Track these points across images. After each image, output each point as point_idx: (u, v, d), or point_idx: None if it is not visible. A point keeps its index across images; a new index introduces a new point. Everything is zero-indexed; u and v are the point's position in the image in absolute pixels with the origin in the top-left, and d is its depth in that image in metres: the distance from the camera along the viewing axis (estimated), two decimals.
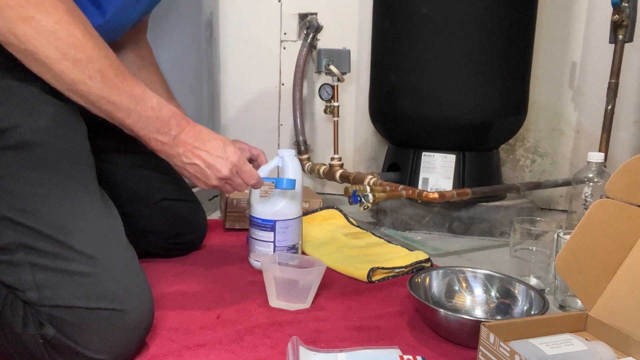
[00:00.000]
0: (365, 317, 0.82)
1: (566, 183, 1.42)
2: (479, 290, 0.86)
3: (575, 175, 1.17)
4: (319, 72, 1.45)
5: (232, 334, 0.74)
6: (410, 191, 1.14)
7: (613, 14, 1.24)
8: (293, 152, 0.99)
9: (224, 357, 0.68)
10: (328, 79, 1.48)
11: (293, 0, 1.66)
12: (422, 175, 1.36)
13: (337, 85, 1.47)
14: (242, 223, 1.25)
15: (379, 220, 1.39)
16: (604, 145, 1.30)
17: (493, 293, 0.85)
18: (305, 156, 1.63)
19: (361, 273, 0.97)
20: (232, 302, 0.86)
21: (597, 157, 1.13)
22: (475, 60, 1.27)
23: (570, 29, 1.55)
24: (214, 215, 1.44)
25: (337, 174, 1.43)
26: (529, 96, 1.41)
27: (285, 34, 1.69)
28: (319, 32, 1.61)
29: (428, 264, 1.03)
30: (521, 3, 1.29)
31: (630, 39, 1.26)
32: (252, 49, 1.71)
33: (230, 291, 0.90)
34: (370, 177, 1.27)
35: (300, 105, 1.63)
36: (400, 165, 1.41)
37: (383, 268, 0.99)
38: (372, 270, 0.97)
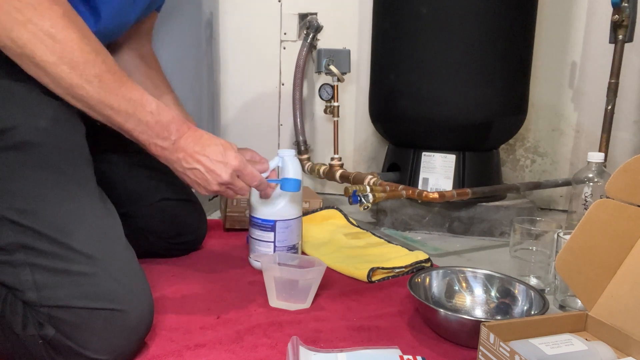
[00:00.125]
0: (365, 317, 0.82)
1: (566, 183, 1.42)
2: (479, 290, 0.86)
3: (575, 175, 1.17)
4: (319, 72, 1.45)
5: (232, 334, 0.74)
6: (410, 191, 1.14)
7: (613, 14, 1.24)
8: (293, 152, 0.99)
9: (224, 357, 0.68)
10: (328, 79, 1.48)
11: (293, 0, 1.66)
12: (422, 175, 1.36)
13: (337, 85, 1.47)
14: (242, 223, 1.25)
15: (379, 220, 1.39)
16: (604, 145, 1.30)
17: (493, 293, 0.85)
18: (305, 156, 1.63)
19: (361, 273, 0.97)
20: (232, 302, 0.86)
21: (597, 157, 1.13)
22: (475, 60, 1.27)
23: (570, 29, 1.55)
24: (214, 215, 1.44)
25: (337, 174, 1.43)
26: (529, 96, 1.41)
27: (285, 34, 1.69)
28: (319, 32, 1.61)
29: (428, 264, 1.03)
30: (521, 3, 1.29)
31: (630, 39, 1.26)
32: (252, 49, 1.71)
33: (230, 291, 0.90)
34: (370, 177, 1.27)
35: (300, 105, 1.63)
36: (400, 165, 1.41)
37: (383, 268, 0.99)
38: (372, 270, 0.97)
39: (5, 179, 0.63)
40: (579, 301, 0.81)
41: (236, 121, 1.76)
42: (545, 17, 1.52)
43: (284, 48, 1.70)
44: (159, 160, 0.76)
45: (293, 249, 1.00)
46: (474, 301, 0.85)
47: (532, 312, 0.77)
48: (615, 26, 1.25)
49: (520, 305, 0.81)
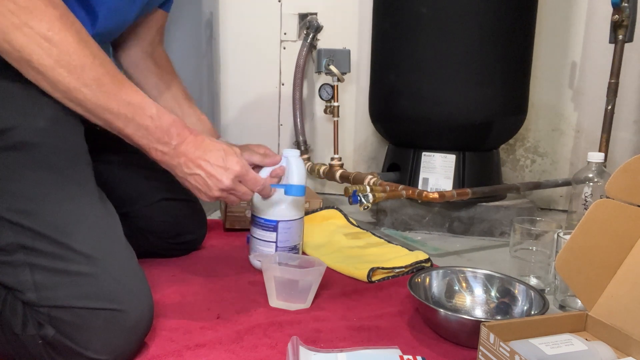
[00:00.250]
0: (365, 317, 0.82)
1: (566, 183, 1.42)
2: (479, 290, 0.86)
3: (575, 175, 1.17)
4: (319, 72, 1.45)
5: (232, 334, 0.74)
6: (410, 191, 1.14)
7: (613, 14, 1.24)
8: (298, 152, 0.98)
9: (224, 357, 0.68)
10: (328, 79, 1.48)
11: (293, 0, 1.66)
12: (422, 175, 1.36)
13: (337, 85, 1.47)
14: (242, 223, 1.25)
15: (379, 220, 1.39)
16: (604, 145, 1.30)
17: (493, 293, 0.85)
18: (305, 156, 1.63)
19: (361, 273, 0.97)
20: (232, 302, 0.86)
21: (597, 157, 1.14)
22: (475, 60, 1.27)
23: (570, 29, 1.55)
24: (214, 215, 1.44)
25: (337, 174, 1.43)
26: (529, 96, 1.41)
27: (285, 34, 1.69)
28: (319, 32, 1.61)
29: (428, 264, 1.03)
30: (521, 3, 1.29)
31: (630, 39, 1.26)
32: (252, 49, 1.71)
33: (230, 291, 0.90)
34: (370, 177, 1.27)
35: (300, 105, 1.63)
36: (400, 165, 1.41)
37: (383, 268, 0.99)
38: (372, 270, 0.97)
39: (4, 179, 0.63)
40: (579, 301, 0.81)
41: (236, 121, 1.76)
42: (545, 17, 1.52)
43: (284, 48, 1.70)
44: (160, 165, 0.75)
45: (294, 249, 1.00)
46: (474, 301, 0.85)
47: (532, 312, 0.77)
48: (615, 26, 1.25)
49: (520, 305, 0.81)
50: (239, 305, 0.84)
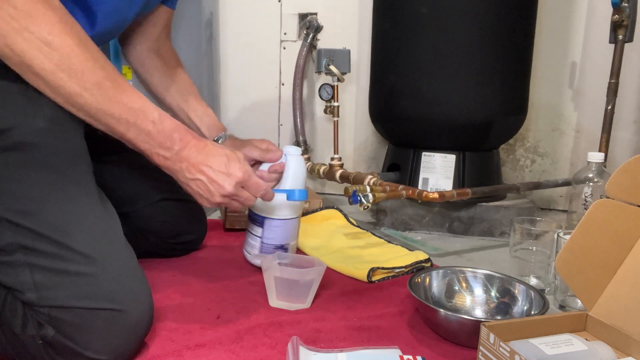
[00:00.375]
0: (365, 317, 0.82)
1: (566, 183, 1.42)
2: (479, 290, 0.86)
3: (575, 175, 1.17)
4: (319, 72, 1.45)
5: (232, 334, 0.74)
6: (410, 191, 1.14)
7: (613, 14, 1.24)
8: (298, 151, 0.96)
9: (224, 357, 0.68)
10: (328, 79, 1.48)
11: (293, 0, 1.66)
12: (422, 175, 1.36)
13: (337, 85, 1.47)
14: (242, 223, 1.25)
15: (379, 220, 1.39)
16: (604, 145, 1.30)
17: (493, 293, 0.85)
18: (305, 156, 1.63)
19: (361, 273, 0.97)
20: (232, 302, 0.86)
21: (597, 157, 1.14)
22: (476, 60, 1.27)
23: (570, 29, 1.55)
24: (214, 215, 1.44)
25: (337, 174, 1.43)
26: (529, 96, 1.41)
27: (285, 34, 1.69)
28: (319, 32, 1.61)
29: (428, 264, 1.03)
30: (521, 3, 1.29)
31: (630, 39, 1.26)
32: (252, 49, 1.71)
33: (230, 291, 0.90)
34: (370, 177, 1.27)
35: (300, 105, 1.63)
36: (400, 165, 1.41)
37: (383, 268, 0.99)
38: (372, 270, 0.97)
39: (4, 179, 0.63)
40: (579, 301, 0.81)
41: (236, 121, 1.76)
42: (545, 17, 1.52)
43: (284, 48, 1.70)
44: (162, 170, 0.75)
45: (282, 248, 0.99)
46: (474, 301, 0.85)
47: (532, 312, 0.77)
48: (615, 26, 1.25)
49: (520, 305, 0.81)
50: (239, 305, 0.84)
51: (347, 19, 1.65)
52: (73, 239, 0.63)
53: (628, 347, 0.66)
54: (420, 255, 1.05)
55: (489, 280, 0.86)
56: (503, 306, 0.83)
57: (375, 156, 1.74)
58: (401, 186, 1.16)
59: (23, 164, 0.64)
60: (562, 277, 0.74)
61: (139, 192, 0.99)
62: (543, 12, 1.47)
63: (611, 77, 1.28)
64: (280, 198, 0.92)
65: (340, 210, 1.35)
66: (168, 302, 0.85)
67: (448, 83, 1.29)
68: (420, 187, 1.35)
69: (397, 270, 1.00)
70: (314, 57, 1.59)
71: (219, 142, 1.03)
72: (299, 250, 1.13)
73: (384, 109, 1.43)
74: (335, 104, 1.48)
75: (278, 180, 0.96)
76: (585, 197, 1.13)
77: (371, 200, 1.04)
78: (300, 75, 1.61)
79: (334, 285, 0.94)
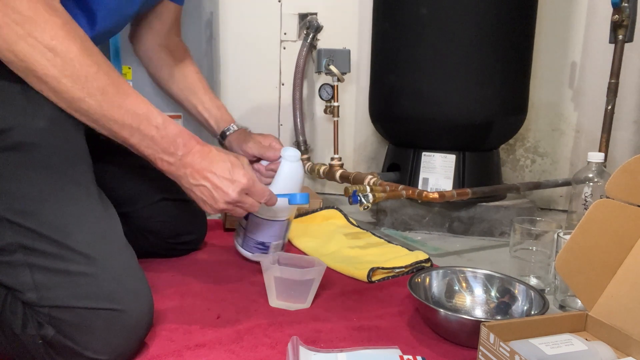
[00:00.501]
0: (365, 317, 0.82)
1: (566, 183, 1.42)
2: (479, 290, 0.86)
3: (575, 175, 1.17)
4: (319, 72, 1.45)
5: (232, 334, 0.74)
6: (410, 191, 1.14)
7: (613, 14, 1.24)
8: (296, 154, 0.94)
9: (224, 357, 0.68)
10: (328, 79, 1.48)
11: (293, 0, 1.66)
12: (422, 175, 1.36)
13: (337, 85, 1.47)
14: None
15: (379, 220, 1.39)
16: (604, 145, 1.30)
17: (493, 293, 0.85)
18: (305, 156, 1.63)
19: (361, 273, 0.97)
20: (232, 302, 0.86)
21: (597, 157, 1.13)
22: (476, 60, 1.27)
23: (570, 29, 1.55)
24: (214, 215, 1.44)
25: (337, 174, 1.43)
26: (529, 96, 1.41)
27: (285, 34, 1.69)
28: (319, 32, 1.61)
29: (428, 264, 1.03)
30: (521, 3, 1.29)
31: (630, 39, 1.26)
32: (252, 49, 1.71)
33: (230, 291, 0.90)
34: (370, 177, 1.27)
35: (300, 105, 1.63)
36: (400, 165, 1.41)
37: (383, 268, 0.99)
38: (372, 270, 0.97)
39: (4, 179, 0.63)
40: (579, 301, 0.81)
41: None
42: (545, 17, 1.52)
43: (284, 48, 1.70)
44: (166, 175, 0.75)
45: (262, 245, 0.99)
46: (474, 301, 0.85)
47: (532, 312, 0.77)
48: (615, 26, 1.25)
49: (520, 305, 0.81)
50: (239, 305, 0.84)
51: (347, 19, 1.65)
52: (73, 239, 0.63)
53: (628, 347, 0.66)
54: (420, 255, 1.05)
55: (489, 280, 0.86)
56: (503, 306, 0.83)
57: (375, 156, 1.74)
58: (401, 186, 1.16)
59: (23, 164, 0.64)
60: (562, 277, 0.74)
61: (139, 192, 0.99)
62: (543, 12, 1.47)
63: (611, 77, 1.28)
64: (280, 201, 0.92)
65: (340, 210, 1.35)
66: (168, 302, 0.85)
67: (448, 83, 1.29)
68: (420, 187, 1.35)
69: (397, 270, 1.00)
70: (314, 57, 1.59)
71: (227, 133, 1.04)
72: (299, 250, 1.13)
73: (384, 108, 1.43)
74: (335, 104, 1.48)
75: None
76: (585, 197, 1.13)
77: (371, 200, 1.04)
78: (300, 75, 1.61)
79: (334, 285, 0.94)
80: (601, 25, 1.46)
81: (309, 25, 1.60)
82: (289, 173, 0.93)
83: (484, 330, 0.62)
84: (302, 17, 1.67)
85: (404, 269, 1.00)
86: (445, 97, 1.29)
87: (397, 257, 1.05)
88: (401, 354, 0.66)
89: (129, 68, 1.32)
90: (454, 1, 1.25)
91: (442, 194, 1.13)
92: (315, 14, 1.65)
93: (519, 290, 0.83)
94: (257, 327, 0.77)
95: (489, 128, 1.32)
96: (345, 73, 1.45)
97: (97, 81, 0.64)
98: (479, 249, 1.24)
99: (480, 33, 1.26)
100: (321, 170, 1.50)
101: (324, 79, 1.57)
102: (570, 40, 1.55)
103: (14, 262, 0.62)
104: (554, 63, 1.57)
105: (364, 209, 1.04)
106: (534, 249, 0.97)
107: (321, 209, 1.36)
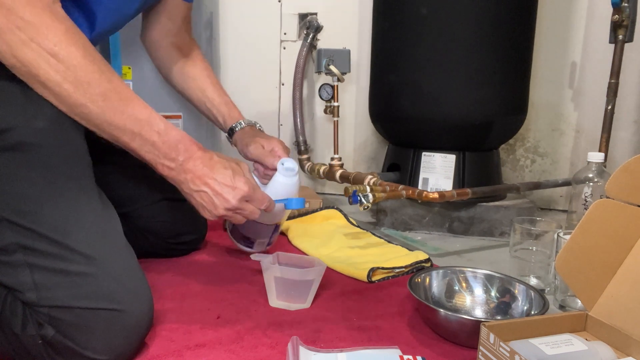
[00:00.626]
0: (365, 317, 0.82)
1: (566, 183, 1.42)
2: (479, 290, 0.86)
3: (575, 175, 1.17)
4: (319, 72, 1.45)
5: (232, 334, 0.74)
6: (410, 191, 1.14)
7: (613, 14, 1.24)
8: (292, 170, 0.93)
9: (224, 357, 0.68)
10: (328, 79, 1.48)
11: (293, 0, 1.66)
12: (422, 175, 1.36)
13: (337, 85, 1.47)
14: None
15: (379, 220, 1.39)
16: (604, 145, 1.30)
17: (493, 293, 0.85)
18: (305, 156, 1.63)
19: (361, 273, 0.97)
20: (232, 302, 0.86)
21: (597, 157, 1.13)
22: (475, 60, 1.27)
23: (570, 29, 1.55)
24: None
25: (337, 174, 1.43)
26: (529, 96, 1.41)
27: (285, 34, 1.69)
28: (319, 32, 1.61)
29: (428, 264, 1.03)
30: (521, 3, 1.29)
31: (630, 39, 1.26)
32: (252, 49, 1.71)
33: (230, 291, 0.90)
34: (370, 177, 1.27)
35: (300, 105, 1.63)
36: (400, 165, 1.41)
37: (383, 268, 0.99)
38: (372, 270, 0.97)
39: (3, 179, 0.63)
40: (579, 301, 0.81)
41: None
42: (545, 17, 1.52)
43: (284, 48, 1.70)
44: (166, 180, 0.75)
45: (247, 240, 1.00)
46: (474, 301, 0.85)
47: (532, 312, 0.77)
48: (615, 26, 1.25)
49: (520, 305, 0.81)
50: (239, 305, 0.84)
51: (347, 19, 1.65)
52: (73, 239, 0.63)
53: (628, 347, 0.66)
54: (420, 255, 1.05)
55: (489, 280, 0.86)
56: (503, 306, 0.83)
57: (375, 156, 1.74)
58: (401, 186, 1.16)
59: (23, 164, 0.64)
60: (562, 277, 0.74)
61: (139, 192, 0.99)
62: (543, 12, 1.47)
63: (611, 77, 1.28)
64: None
65: (340, 210, 1.35)
66: (168, 302, 0.85)
67: (448, 83, 1.29)
68: (420, 187, 1.35)
69: (397, 270, 1.00)
70: (314, 57, 1.59)
71: (235, 130, 1.04)
72: (299, 251, 1.14)
73: (384, 109, 1.43)
74: (335, 104, 1.48)
75: None
76: (585, 197, 1.13)
77: (371, 200, 1.04)
78: (300, 75, 1.61)
79: (334, 285, 0.94)
80: (601, 25, 1.46)
81: (309, 25, 1.60)
82: (283, 187, 0.93)
83: (484, 330, 0.62)
84: (302, 17, 1.67)
85: (404, 269, 1.00)
86: (445, 97, 1.29)
87: (397, 257, 1.05)
88: (401, 354, 0.66)
89: (129, 68, 1.32)
90: (454, 1, 1.25)
91: (442, 194, 1.13)
92: (315, 14, 1.65)
93: (519, 290, 0.83)
94: (257, 327, 0.77)
95: (489, 128, 1.32)
96: (345, 73, 1.45)
97: (100, 87, 0.64)
98: (479, 249, 1.24)
99: (480, 33, 1.26)
100: (321, 170, 1.50)
101: (324, 79, 1.57)
102: (570, 40, 1.55)
103: (13, 262, 0.62)
104: (554, 63, 1.57)
105: (364, 209, 1.04)
106: (534, 249, 0.97)
107: (321, 209, 1.36)
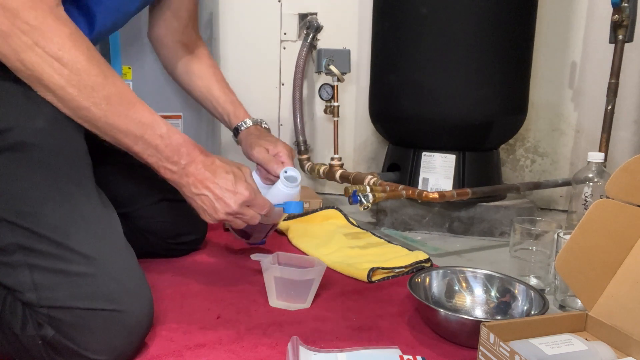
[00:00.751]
0: (365, 317, 0.82)
1: (566, 183, 1.42)
2: (479, 290, 0.86)
3: (575, 175, 1.17)
4: (319, 72, 1.45)
5: (232, 334, 0.74)
6: (410, 191, 1.14)
7: (613, 14, 1.24)
8: (294, 180, 0.92)
9: (224, 357, 0.68)
10: (328, 79, 1.48)
11: (293, 0, 1.66)
12: (422, 175, 1.36)
13: (337, 85, 1.47)
14: None
15: (379, 220, 1.39)
16: (604, 145, 1.30)
17: (493, 293, 0.85)
18: (305, 156, 1.63)
19: (361, 273, 0.97)
20: (232, 302, 0.86)
21: (597, 157, 1.13)
22: (475, 60, 1.27)
23: (570, 29, 1.55)
24: None
25: (337, 174, 1.43)
26: (529, 96, 1.41)
27: (285, 34, 1.69)
28: (319, 32, 1.61)
29: (428, 264, 1.03)
30: (521, 3, 1.29)
31: (630, 39, 1.26)
32: (252, 49, 1.71)
33: (230, 291, 0.90)
34: (370, 177, 1.27)
35: (300, 105, 1.63)
36: (400, 165, 1.41)
37: (383, 268, 0.99)
38: (372, 270, 0.97)
39: (3, 179, 0.63)
40: (579, 301, 0.81)
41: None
42: (545, 17, 1.52)
43: (284, 48, 1.70)
44: (168, 183, 0.75)
45: (243, 232, 0.99)
46: (474, 301, 0.85)
47: (532, 312, 0.77)
48: (615, 26, 1.25)
49: (520, 305, 0.81)
50: (239, 305, 0.84)
51: (347, 19, 1.65)
52: (73, 239, 0.63)
53: (628, 347, 0.66)
54: (420, 255, 1.05)
55: (489, 280, 0.86)
56: (503, 306, 0.83)
57: (375, 156, 1.74)
58: (401, 186, 1.16)
59: (23, 164, 0.64)
60: (562, 277, 0.74)
61: (139, 192, 0.99)
62: (543, 12, 1.47)
63: (611, 77, 1.28)
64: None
65: (340, 210, 1.35)
66: (168, 302, 0.85)
67: (448, 83, 1.29)
68: (420, 187, 1.35)
69: (397, 270, 1.00)
70: (314, 57, 1.59)
71: (240, 130, 1.04)
72: (299, 250, 1.14)
73: (384, 109, 1.43)
74: (335, 104, 1.48)
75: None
76: (585, 197, 1.13)
77: (371, 200, 1.04)
78: (300, 75, 1.61)
79: (334, 285, 0.94)
80: (601, 25, 1.46)
81: (309, 25, 1.60)
82: (284, 196, 0.92)
83: (484, 330, 0.62)
84: (302, 17, 1.67)
85: (404, 269, 1.00)
86: (445, 97, 1.29)
87: (397, 257, 1.05)
88: (401, 354, 0.66)
89: (129, 68, 1.32)
90: (454, 1, 1.25)
91: (442, 194, 1.13)
92: (315, 14, 1.65)
93: (519, 290, 0.83)
94: (257, 327, 0.77)
95: (489, 128, 1.32)
96: (345, 73, 1.45)
97: (103, 91, 0.64)
98: (479, 249, 1.24)
99: (480, 33, 1.26)
100: (321, 170, 1.50)
101: (324, 79, 1.57)
102: (570, 40, 1.55)
103: (13, 263, 0.62)
104: (554, 63, 1.57)
105: (364, 209, 1.04)
106: (534, 249, 0.97)
107: (321, 209, 1.36)
